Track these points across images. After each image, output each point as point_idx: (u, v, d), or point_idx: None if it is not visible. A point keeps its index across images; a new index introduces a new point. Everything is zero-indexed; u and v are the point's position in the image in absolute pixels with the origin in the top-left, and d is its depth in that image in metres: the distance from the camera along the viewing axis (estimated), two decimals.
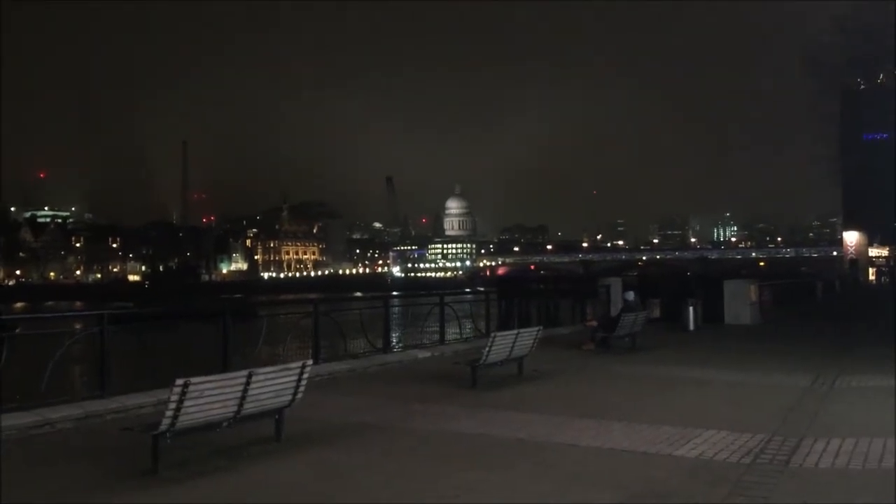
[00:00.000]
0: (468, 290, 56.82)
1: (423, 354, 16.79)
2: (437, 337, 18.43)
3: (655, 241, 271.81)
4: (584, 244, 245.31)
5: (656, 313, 25.16)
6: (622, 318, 18.13)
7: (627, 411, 10.20)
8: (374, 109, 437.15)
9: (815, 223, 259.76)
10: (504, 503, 6.35)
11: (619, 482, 6.92)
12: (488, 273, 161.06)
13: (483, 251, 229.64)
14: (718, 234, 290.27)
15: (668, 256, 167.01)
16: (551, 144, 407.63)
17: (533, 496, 6.52)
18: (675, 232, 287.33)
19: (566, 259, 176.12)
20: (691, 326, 22.73)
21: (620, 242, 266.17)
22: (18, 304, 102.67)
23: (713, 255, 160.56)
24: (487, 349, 12.79)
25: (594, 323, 19.55)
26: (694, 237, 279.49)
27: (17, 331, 12.19)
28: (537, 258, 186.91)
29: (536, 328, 14.56)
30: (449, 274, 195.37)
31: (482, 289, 35.40)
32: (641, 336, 18.71)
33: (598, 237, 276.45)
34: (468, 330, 19.89)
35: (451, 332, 19.27)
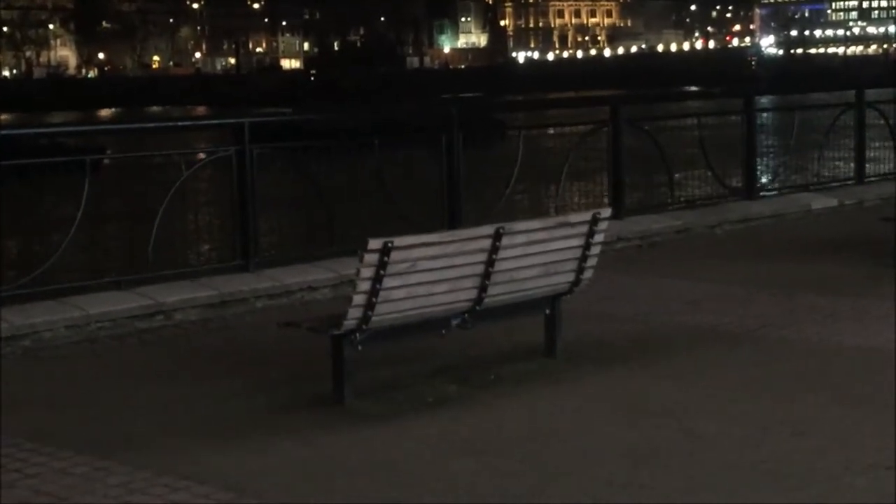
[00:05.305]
0: None
1: (820, 202, 16.90)
2: (848, 170, 18.37)
3: None
4: None
5: None
6: None
7: None
8: None
9: None
10: None
11: None
12: None
13: None
14: None
15: None
16: None
17: None
18: None
19: None
20: None
21: None
22: (104, 111, 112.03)
23: None
24: None
25: None
26: None
27: (107, 156, 13.36)
28: None
29: None
30: (872, 50, 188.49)
31: None
32: None
33: None
34: None
35: (878, 164, 19.06)
